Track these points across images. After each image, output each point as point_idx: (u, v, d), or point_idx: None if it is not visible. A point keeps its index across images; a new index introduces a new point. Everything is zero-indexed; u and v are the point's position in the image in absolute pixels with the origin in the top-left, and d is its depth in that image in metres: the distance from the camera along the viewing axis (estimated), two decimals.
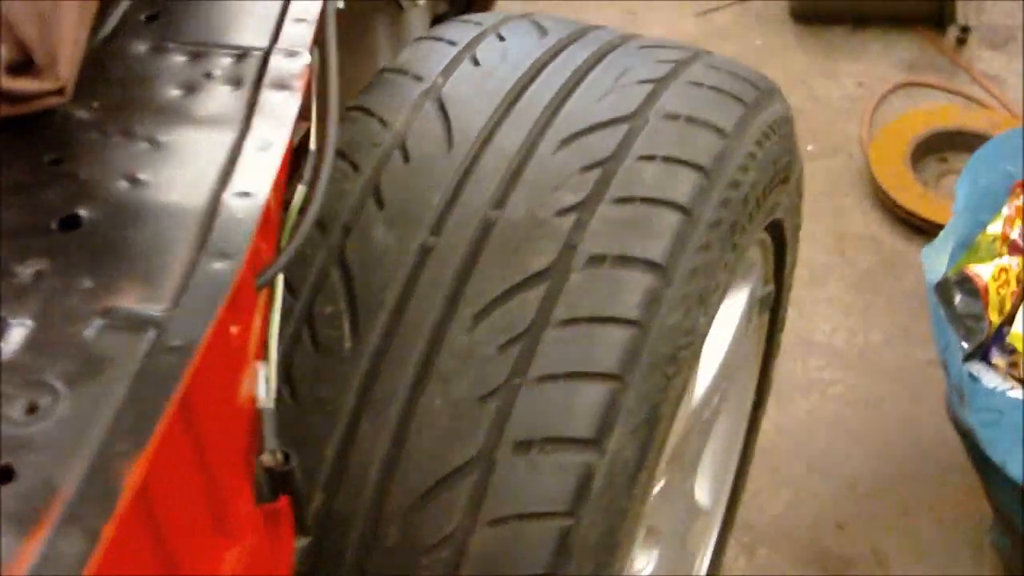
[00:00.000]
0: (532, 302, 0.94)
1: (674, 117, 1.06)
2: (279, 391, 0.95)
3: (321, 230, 1.00)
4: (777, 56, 3.07)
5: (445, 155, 1.02)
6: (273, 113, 0.81)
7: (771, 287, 1.46)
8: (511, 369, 0.92)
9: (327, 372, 0.95)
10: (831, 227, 2.63)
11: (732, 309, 1.34)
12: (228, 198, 0.75)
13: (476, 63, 1.11)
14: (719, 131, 1.06)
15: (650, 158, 1.02)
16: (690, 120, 1.06)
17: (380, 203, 1.00)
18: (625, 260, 0.96)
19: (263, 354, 0.82)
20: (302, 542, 0.88)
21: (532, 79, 1.09)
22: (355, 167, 1.03)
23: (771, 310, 1.52)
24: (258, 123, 0.81)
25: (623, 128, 1.04)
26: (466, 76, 1.10)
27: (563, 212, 0.98)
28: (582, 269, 0.95)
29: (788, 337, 2.40)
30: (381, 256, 0.98)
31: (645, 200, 0.99)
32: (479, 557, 0.90)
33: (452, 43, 1.14)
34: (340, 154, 1.04)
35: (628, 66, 1.11)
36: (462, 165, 1.02)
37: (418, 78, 1.10)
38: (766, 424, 2.18)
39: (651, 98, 1.07)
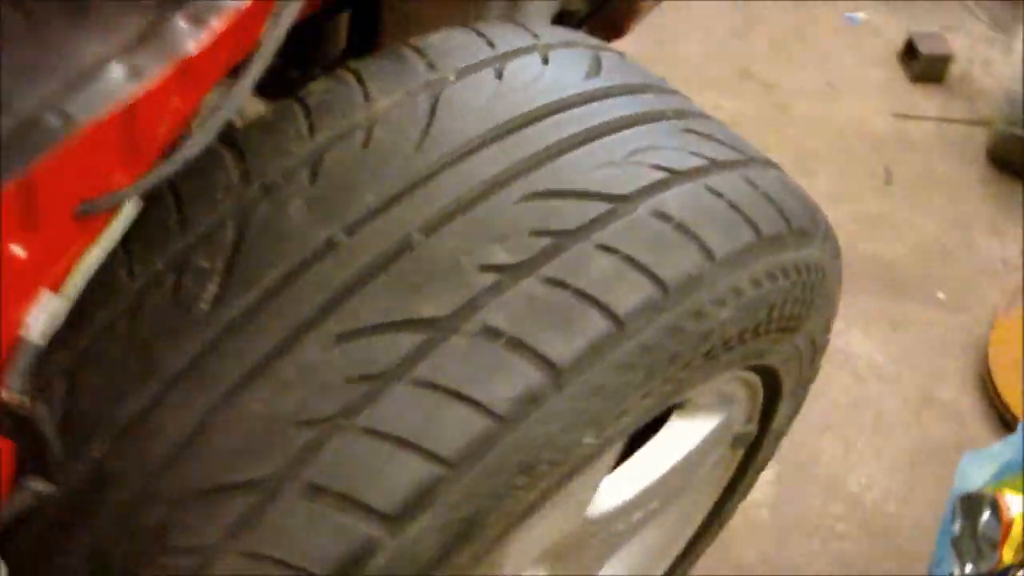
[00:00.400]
0: (402, 348, 0.84)
1: (666, 218, 0.93)
2: (117, 325, 0.87)
3: (244, 180, 0.91)
4: (953, 189, 2.87)
5: (407, 157, 0.92)
6: (166, 43, 0.72)
7: (753, 428, 1.33)
8: (343, 407, 0.83)
9: (170, 326, 0.87)
10: (920, 384, 2.46)
11: (684, 435, 1.22)
12: (46, 113, 0.66)
13: (499, 76, 1.00)
14: (707, 252, 0.94)
15: (611, 251, 0.90)
16: (681, 227, 0.94)
17: (314, 177, 0.91)
18: (520, 346, 0.85)
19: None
20: (41, 485, 0.80)
21: (545, 117, 0.98)
22: (311, 130, 0.93)
23: (748, 450, 1.39)
24: (145, 48, 0.72)
25: (602, 207, 0.92)
26: (480, 85, 0.99)
27: (487, 268, 0.87)
28: (471, 335, 0.85)
29: (820, 474, 2.26)
30: (284, 232, 0.89)
31: (578, 293, 0.88)
32: None
33: (490, 44, 1.03)
34: (305, 112, 0.95)
35: (656, 144, 0.99)
36: (416, 174, 0.91)
37: (432, 66, 1.00)
38: (752, 550, 2.06)
39: (654, 188, 0.95)
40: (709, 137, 1.05)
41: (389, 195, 0.90)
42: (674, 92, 1.12)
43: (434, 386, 0.83)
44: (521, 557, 1.10)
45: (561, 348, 0.86)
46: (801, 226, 1.05)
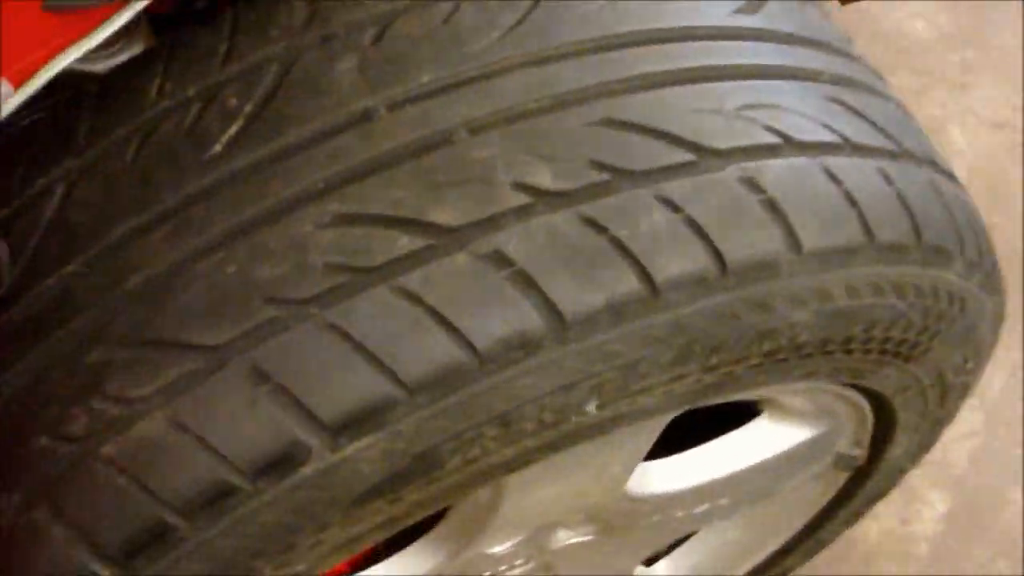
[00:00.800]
0: (398, 248, 0.75)
1: (756, 188, 0.80)
2: (129, 143, 0.81)
3: (307, 24, 0.83)
4: None
5: (486, 45, 0.82)
6: None
7: (859, 453, 1.17)
8: (316, 295, 0.74)
9: (177, 159, 0.80)
10: None
11: (767, 438, 1.08)
12: None
13: None
14: (793, 240, 0.80)
15: (673, 207, 0.78)
16: (770, 204, 0.80)
17: (377, 39, 0.82)
18: (528, 283, 0.74)
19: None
20: None
21: (660, 42, 0.85)
22: None
23: (856, 476, 1.23)
24: None
25: (683, 156, 0.79)
26: None
27: (522, 187, 0.76)
28: (477, 257, 0.74)
29: (996, 526, 2.05)
30: (325, 90, 0.80)
31: (617, 244, 0.76)
32: (131, 440, 0.74)
33: None
34: None
35: (781, 104, 0.85)
36: (487, 66, 0.81)
37: None
38: None
39: (755, 152, 0.82)
40: (860, 115, 0.89)
41: (449, 80, 0.80)
42: (850, 57, 0.96)
43: (418, 300, 0.73)
44: (526, 513, 1.00)
45: (574, 297, 0.75)
46: (937, 243, 0.89)
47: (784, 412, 1.08)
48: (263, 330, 0.73)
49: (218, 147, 0.79)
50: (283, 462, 0.73)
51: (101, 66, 0.85)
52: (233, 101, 0.80)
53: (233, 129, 0.79)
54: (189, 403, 0.73)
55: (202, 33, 0.83)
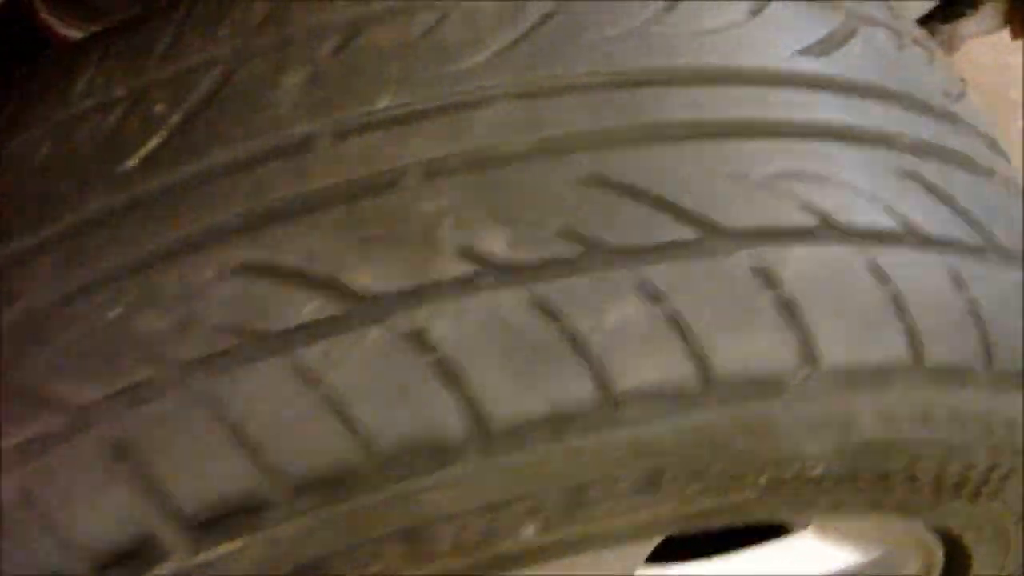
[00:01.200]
0: (304, 313, 0.62)
1: (770, 283, 0.64)
2: (41, 146, 0.70)
3: (265, 23, 0.70)
4: None
5: (463, 71, 0.69)
6: None
7: None
8: (198, 358, 0.61)
9: (85, 172, 0.69)
10: None
11: (802, 556, 0.92)
12: None
13: (669, 9, 0.72)
14: (807, 353, 0.64)
15: (654, 297, 0.62)
16: (786, 305, 0.64)
17: (339, 50, 0.69)
18: (452, 376, 0.61)
19: None
20: None
21: (685, 84, 0.69)
22: None
23: None
24: None
25: (683, 233, 0.64)
26: (625, 13, 0.72)
27: (467, 255, 0.63)
28: (394, 336, 0.61)
29: None
30: (265, 106, 0.68)
31: (572, 338, 0.62)
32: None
33: None
34: None
35: (832, 177, 0.68)
36: (460, 96, 0.68)
37: None
38: None
39: (781, 236, 0.65)
40: (940, 195, 0.71)
41: (411, 108, 0.66)
42: (951, 119, 0.78)
43: (314, 381, 0.60)
44: None
45: (506, 400, 0.60)
46: (1009, 368, 0.71)
47: (829, 530, 0.90)
48: (130, 395, 0.61)
49: (132, 162, 0.67)
50: (134, 558, 0.61)
51: (78, 31, 0.74)
52: (160, 108, 0.67)
53: (153, 142, 0.67)
54: (40, 471, 0.61)
55: (150, 21, 0.71)
